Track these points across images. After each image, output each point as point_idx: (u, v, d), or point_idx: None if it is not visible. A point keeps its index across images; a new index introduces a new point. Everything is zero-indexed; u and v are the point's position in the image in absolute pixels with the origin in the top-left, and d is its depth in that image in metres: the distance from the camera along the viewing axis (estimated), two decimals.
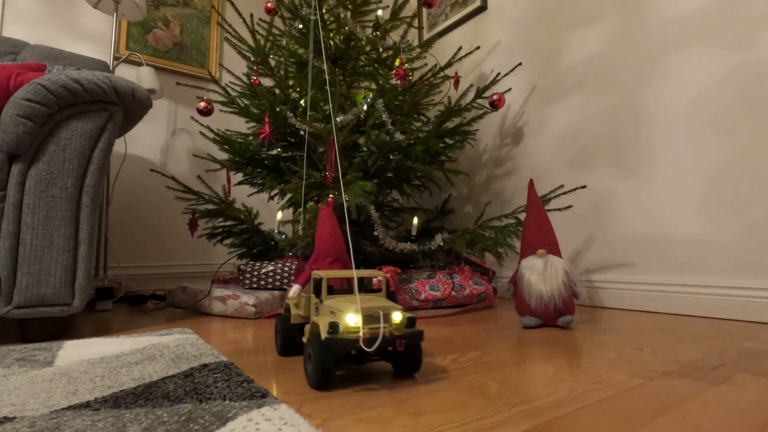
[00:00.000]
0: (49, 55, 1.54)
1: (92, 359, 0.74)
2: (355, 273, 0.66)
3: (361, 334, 0.57)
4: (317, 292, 0.68)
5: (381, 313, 0.59)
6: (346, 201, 1.22)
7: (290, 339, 0.76)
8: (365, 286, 0.75)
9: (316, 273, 0.69)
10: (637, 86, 1.38)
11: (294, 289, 0.76)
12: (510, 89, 1.70)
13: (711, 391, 0.57)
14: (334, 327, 0.57)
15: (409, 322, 0.62)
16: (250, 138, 1.59)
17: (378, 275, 0.69)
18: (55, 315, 0.94)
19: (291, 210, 2.47)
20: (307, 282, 0.76)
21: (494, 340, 0.91)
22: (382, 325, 0.59)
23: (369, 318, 0.59)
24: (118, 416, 0.48)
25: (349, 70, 1.60)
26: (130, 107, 1.07)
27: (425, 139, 1.45)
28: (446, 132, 1.53)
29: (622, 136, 1.41)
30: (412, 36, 2.37)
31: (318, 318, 0.62)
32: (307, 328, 0.66)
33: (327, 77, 1.41)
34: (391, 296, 1.34)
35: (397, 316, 0.61)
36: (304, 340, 0.66)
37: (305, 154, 1.33)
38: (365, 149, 1.55)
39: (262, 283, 1.37)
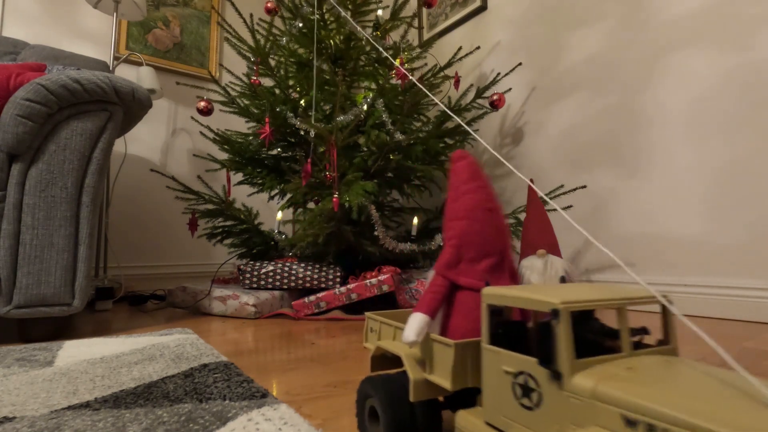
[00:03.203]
0: (49, 55, 1.54)
1: (92, 359, 0.74)
2: (659, 296, 0.30)
3: None
4: (519, 345, 0.31)
5: None
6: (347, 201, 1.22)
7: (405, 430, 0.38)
8: (596, 326, 0.34)
9: (529, 293, 0.30)
10: (637, 86, 1.38)
11: (415, 326, 0.37)
12: (510, 89, 1.70)
13: None
14: None
15: None
16: (250, 138, 1.59)
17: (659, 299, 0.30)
18: (55, 315, 0.94)
19: (291, 210, 2.47)
20: (438, 309, 0.39)
21: None
22: None
23: None
24: (118, 416, 0.48)
25: (349, 70, 1.60)
26: (130, 107, 1.07)
27: (425, 139, 1.45)
28: (446, 132, 1.53)
29: (622, 137, 1.41)
30: (412, 36, 2.37)
31: None
32: (465, 421, 0.34)
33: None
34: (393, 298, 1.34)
35: None
36: None
37: (311, 153, 1.33)
38: (365, 149, 1.55)
39: (262, 283, 1.37)
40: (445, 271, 0.39)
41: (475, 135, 0.43)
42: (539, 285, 0.34)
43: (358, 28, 1.34)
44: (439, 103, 0.46)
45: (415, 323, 0.37)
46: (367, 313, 0.51)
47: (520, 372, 0.29)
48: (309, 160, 1.22)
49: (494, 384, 0.32)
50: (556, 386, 0.27)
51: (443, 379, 0.35)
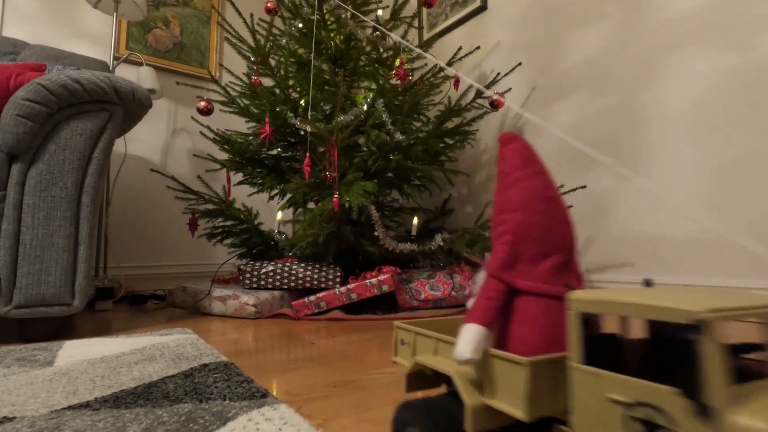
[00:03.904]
0: (49, 55, 1.54)
1: (92, 359, 0.74)
2: None
3: None
4: (620, 365, 0.26)
5: None
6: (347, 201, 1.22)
7: None
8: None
9: (650, 298, 0.24)
10: (637, 86, 1.38)
11: (470, 341, 0.31)
12: (510, 89, 1.70)
13: None
14: None
15: None
16: (250, 138, 1.59)
17: None
18: (55, 315, 0.94)
19: (291, 210, 2.47)
20: (495, 319, 0.33)
21: None
22: None
23: None
24: (118, 416, 0.48)
25: (349, 70, 1.60)
26: (130, 107, 1.07)
27: (425, 139, 1.45)
28: (446, 132, 1.53)
29: (621, 137, 1.41)
30: (412, 36, 2.37)
31: None
32: None
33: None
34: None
35: None
36: None
37: (308, 149, 1.33)
38: (365, 149, 1.55)
39: (262, 283, 1.37)
40: (501, 273, 0.33)
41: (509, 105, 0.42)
42: (649, 288, 0.27)
43: (369, 21, 1.33)
44: (463, 77, 0.45)
45: (471, 336, 0.30)
46: (397, 323, 0.43)
47: (638, 403, 0.23)
48: (308, 154, 1.22)
49: (593, 416, 0.25)
50: (704, 425, 0.20)
51: (513, 407, 0.29)
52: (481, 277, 0.35)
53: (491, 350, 0.31)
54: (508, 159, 0.36)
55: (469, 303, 0.38)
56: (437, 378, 0.40)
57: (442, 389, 0.38)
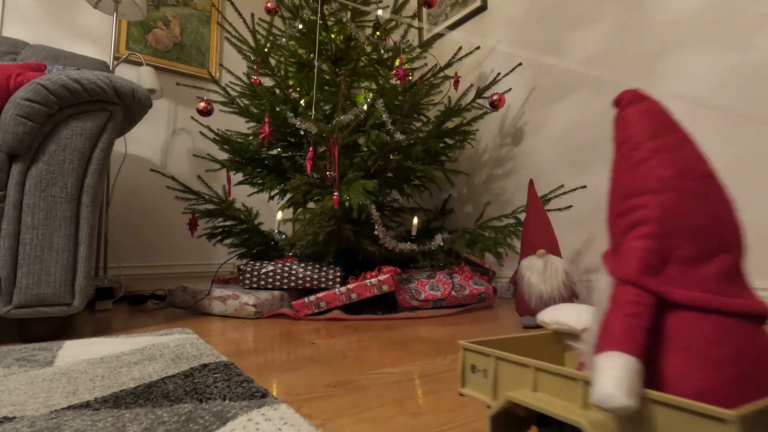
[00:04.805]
0: (49, 55, 1.54)
1: (92, 359, 0.74)
2: None
3: None
4: None
5: None
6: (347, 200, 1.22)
7: None
8: None
9: None
10: (636, 86, 1.38)
11: (620, 379, 0.21)
12: (510, 89, 1.70)
13: None
14: None
15: None
16: (250, 138, 1.59)
17: None
18: (55, 315, 0.94)
19: (291, 210, 2.47)
20: (646, 345, 0.23)
21: None
22: None
23: None
24: (118, 416, 0.48)
25: (349, 70, 1.60)
26: (130, 107, 1.07)
27: (425, 139, 1.45)
28: (446, 132, 1.53)
29: None
30: (413, 36, 2.37)
31: None
32: None
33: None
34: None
35: None
36: None
37: (311, 144, 1.33)
38: (365, 149, 1.55)
39: (262, 283, 1.37)
40: (645, 279, 0.23)
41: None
42: None
43: (380, 12, 1.33)
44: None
45: (619, 372, 0.21)
46: (464, 343, 0.34)
47: None
48: (311, 148, 1.23)
49: None
50: None
51: None
52: (604, 283, 0.25)
53: (655, 394, 0.21)
54: (635, 124, 0.27)
55: (546, 315, 0.27)
56: (530, 419, 0.30)
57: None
